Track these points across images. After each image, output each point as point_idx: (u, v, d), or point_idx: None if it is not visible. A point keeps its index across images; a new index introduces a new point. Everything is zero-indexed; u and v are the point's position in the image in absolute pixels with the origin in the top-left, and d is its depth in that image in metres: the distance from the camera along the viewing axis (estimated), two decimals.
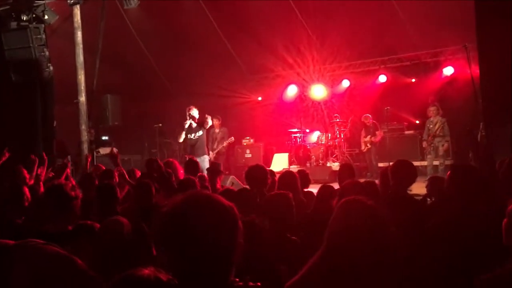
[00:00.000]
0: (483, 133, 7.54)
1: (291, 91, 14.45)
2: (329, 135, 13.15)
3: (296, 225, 3.61)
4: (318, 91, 13.91)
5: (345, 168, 5.66)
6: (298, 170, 5.64)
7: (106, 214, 3.67)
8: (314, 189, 5.06)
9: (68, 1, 9.63)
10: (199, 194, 1.63)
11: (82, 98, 9.89)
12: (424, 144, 11.25)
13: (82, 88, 9.90)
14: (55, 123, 9.63)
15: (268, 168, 5.42)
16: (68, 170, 6.15)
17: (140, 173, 6.15)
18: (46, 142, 9.13)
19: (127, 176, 5.70)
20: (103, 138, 12.97)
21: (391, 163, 4.63)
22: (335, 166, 11.89)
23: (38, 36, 9.05)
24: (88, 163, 7.74)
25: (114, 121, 12.77)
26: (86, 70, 10.11)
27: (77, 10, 9.85)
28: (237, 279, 1.60)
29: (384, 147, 11.97)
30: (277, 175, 5.28)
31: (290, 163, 13.05)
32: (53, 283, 1.72)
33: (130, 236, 2.88)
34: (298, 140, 13.52)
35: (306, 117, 14.05)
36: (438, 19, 11.26)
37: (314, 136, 13.82)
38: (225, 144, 11.70)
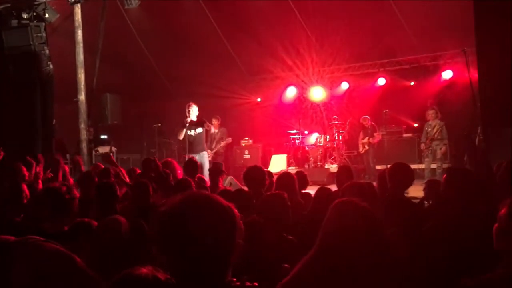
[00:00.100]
0: (481, 136, 7.55)
1: (290, 92, 14.45)
2: (328, 137, 13.12)
3: (292, 226, 3.62)
4: (317, 93, 13.91)
5: (344, 170, 5.66)
6: (296, 172, 5.64)
7: (106, 212, 3.67)
8: (312, 190, 5.06)
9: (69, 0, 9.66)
10: (197, 194, 1.64)
11: (82, 97, 9.91)
12: (422, 146, 11.23)
13: (82, 86, 9.92)
14: (54, 121, 9.62)
15: (266, 169, 5.43)
16: (67, 168, 6.15)
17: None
18: (46, 141, 9.11)
19: (126, 176, 5.70)
20: (102, 137, 12.96)
21: (389, 166, 4.65)
22: (333, 168, 11.90)
23: (39, 35, 9.05)
24: (82, 165, 7.61)
25: (113, 120, 12.80)
26: (86, 69, 10.14)
27: (77, 9, 9.88)
28: (234, 279, 1.60)
29: (382, 150, 11.96)
30: (275, 176, 5.27)
31: (288, 164, 13.05)
32: (53, 280, 1.73)
33: (128, 235, 2.89)
34: (297, 142, 13.50)
35: (305, 119, 14.04)
36: (438, 23, 11.30)
37: (313, 138, 13.83)
38: (222, 144, 11.69)
